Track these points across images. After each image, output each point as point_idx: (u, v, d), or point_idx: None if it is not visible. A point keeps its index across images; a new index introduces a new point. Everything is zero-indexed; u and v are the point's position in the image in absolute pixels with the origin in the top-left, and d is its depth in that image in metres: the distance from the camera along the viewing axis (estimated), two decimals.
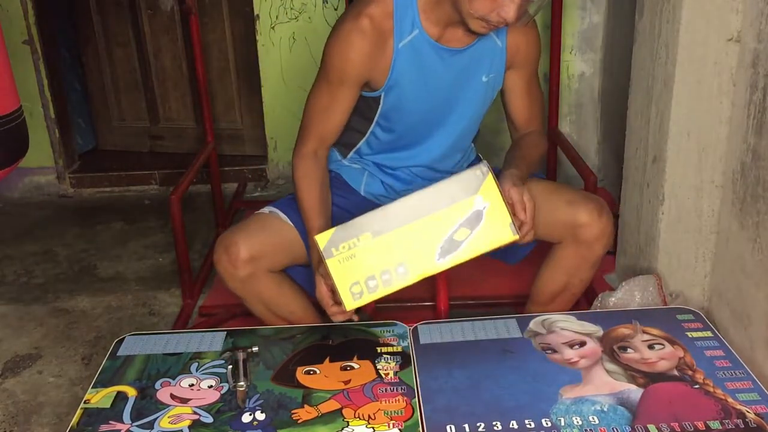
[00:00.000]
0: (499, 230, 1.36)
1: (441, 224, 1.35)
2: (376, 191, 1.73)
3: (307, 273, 1.68)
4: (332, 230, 1.37)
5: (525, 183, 1.46)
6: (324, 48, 1.56)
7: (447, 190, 1.37)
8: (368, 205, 1.69)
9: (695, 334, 1.47)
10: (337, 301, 1.42)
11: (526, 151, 1.62)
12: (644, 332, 1.47)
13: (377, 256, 1.35)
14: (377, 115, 1.63)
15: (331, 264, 1.36)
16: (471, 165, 1.80)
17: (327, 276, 1.40)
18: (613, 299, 1.76)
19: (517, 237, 1.36)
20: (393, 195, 1.72)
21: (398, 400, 1.31)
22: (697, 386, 1.31)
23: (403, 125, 1.65)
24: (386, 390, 1.33)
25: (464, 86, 1.60)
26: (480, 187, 1.36)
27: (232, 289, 1.61)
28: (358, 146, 1.72)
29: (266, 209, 1.67)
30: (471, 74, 1.59)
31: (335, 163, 1.78)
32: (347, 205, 1.67)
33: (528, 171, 1.55)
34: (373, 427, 1.24)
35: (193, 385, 1.37)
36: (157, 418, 1.29)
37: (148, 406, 1.32)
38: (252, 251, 1.55)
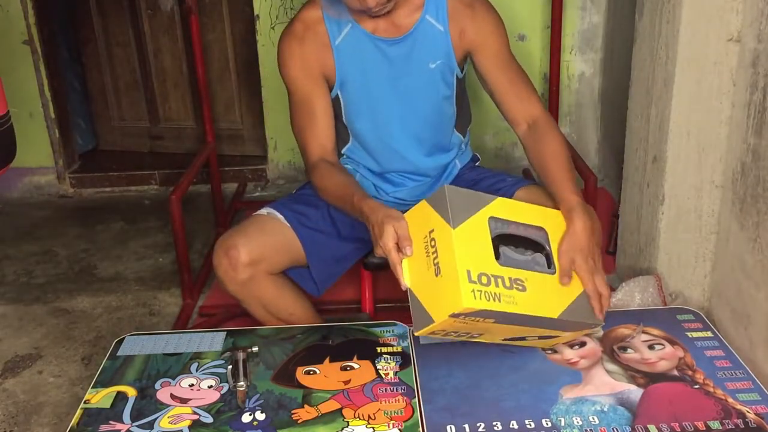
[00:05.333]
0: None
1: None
2: (369, 193, 1.73)
3: (306, 274, 1.68)
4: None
5: (590, 219, 1.37)
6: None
7: (547, 322, 1.30)
8: None
9: (695, 334, 1.47)
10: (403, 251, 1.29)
11: (553, 167, 1.48)
12: (644, 332, 1.47)
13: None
14: (345, 119, 1.66)
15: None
16: (466, 165, 1.80)
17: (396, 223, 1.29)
18: (613, 300, 1.76)
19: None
20: (384, 197, 1.74)
21: (398, 400, 1.31)
22: (697, 386, 1.31)
23: (362, 123, 1.66)
24: (386, 390, 1.33)
25: (410, 75, 1.60)
26: (575, 331, 1.37)
27: (231, 293, 1.61)
28: (343, 152, 1.75)
29: (264, 210, 1.67)
30: (415, 62, 1.59)
31: None
32: None
33: (578, 189, 1.44)
34: (373, 427, 1.24)
35: (193, 385, 1.37)
36: (157, 418, 1.29)
37: (148, 406, 1.32)
38: (252, 254, 1.55)
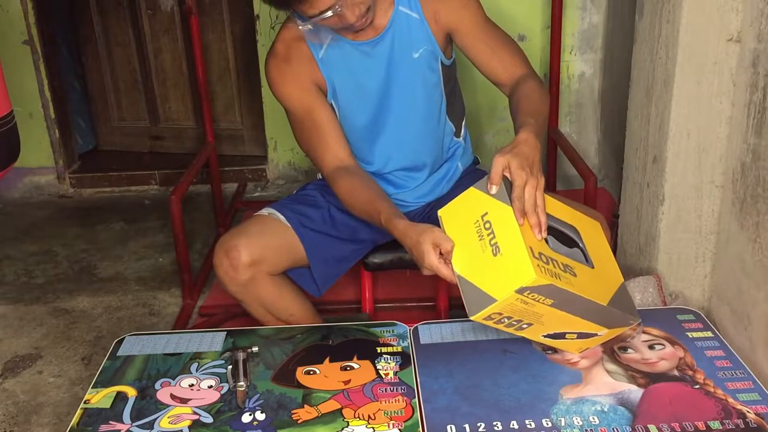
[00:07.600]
0: None
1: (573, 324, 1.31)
2: None
3: (307, 274, 1.68)
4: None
5: (535, 138, 1.32)
6: None
7: (597, 310, 1.29)
8: None
9: (695, 335, 1.47)
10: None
11: (523, 103, 1.48)
12: (644, 332, 1.47)
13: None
14: (341, 123, 1.66)
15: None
16: (468, 168, 1.80)
17: (440, 241, 1.28)
18: None
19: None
20: None
21: (398, 400, 1.31)
22: (697, 386, 1.31)
23: (357, 125, 1.66)
24: (386, 390, 1.33)
25: (397, 70, 1.61)
26: (615, 328, 1.36)
27: (232, 293, 1.61)
28: None
29: (265, 211, 1.67)
30: (399, 56, 1.60)
31: None
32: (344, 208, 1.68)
33: (537, 121, 1.39)
34: (373, 427, 1.24)
35: (193, 385, 1.37)
36: (157, 418, 1.29)
37: (148, 406, 1.32)
38: (253, 255, 1.55)
